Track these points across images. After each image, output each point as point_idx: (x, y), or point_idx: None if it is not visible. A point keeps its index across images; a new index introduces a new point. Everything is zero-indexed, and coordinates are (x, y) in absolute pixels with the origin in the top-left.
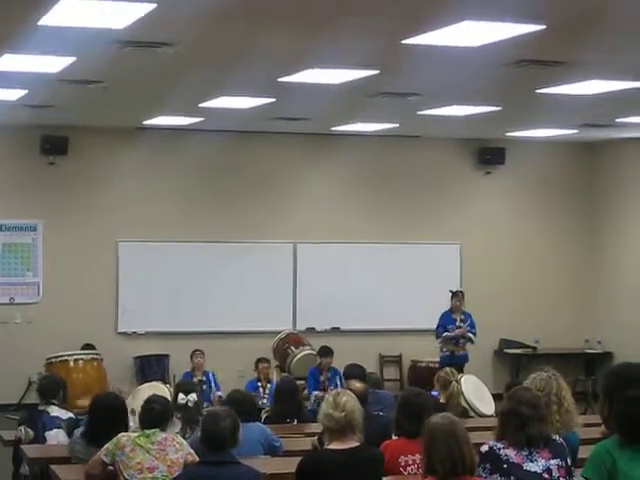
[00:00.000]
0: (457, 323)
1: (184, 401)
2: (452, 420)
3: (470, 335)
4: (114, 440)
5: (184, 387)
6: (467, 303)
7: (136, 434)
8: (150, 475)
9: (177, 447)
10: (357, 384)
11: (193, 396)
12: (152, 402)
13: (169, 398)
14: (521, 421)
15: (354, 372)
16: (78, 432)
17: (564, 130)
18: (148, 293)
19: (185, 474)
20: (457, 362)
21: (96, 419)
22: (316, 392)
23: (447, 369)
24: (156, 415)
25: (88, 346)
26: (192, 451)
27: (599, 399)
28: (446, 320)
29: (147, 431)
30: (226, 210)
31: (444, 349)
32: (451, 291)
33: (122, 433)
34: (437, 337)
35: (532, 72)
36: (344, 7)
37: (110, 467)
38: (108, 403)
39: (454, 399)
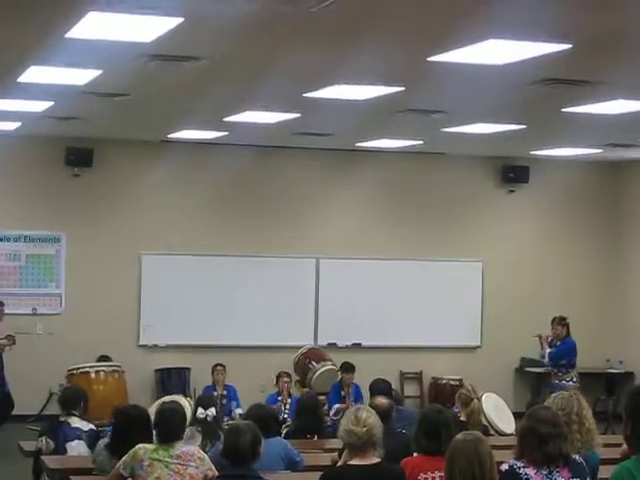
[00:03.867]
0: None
1: (203, 415)
2: (476, 437)
3: (545, 351)
4: (131, 453)
5: (203, 402)
6: (487, 321)
7: (153, 447)
8: None
9: (198, 462)
10: (383, 400)
11: (212, 411)
12: (166, 412)
13: (189, 411)
14: (539, 439)
15: (380, 387)
16: (102, 443)
17: (589, 149)
18: (170, 306)
19: None
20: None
21: (120, 430)
22: (338, 405)
23: (468, 386)
24: (172, 425)
25: (104, 358)
26: (212, 466)
27: (623, 418)
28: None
29: (165, 445)
30: (249, 224)
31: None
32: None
33: (139, 445)
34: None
35: (557, 91)
36: (370, 24)
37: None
38: (132, 414)
39: (475, 417)
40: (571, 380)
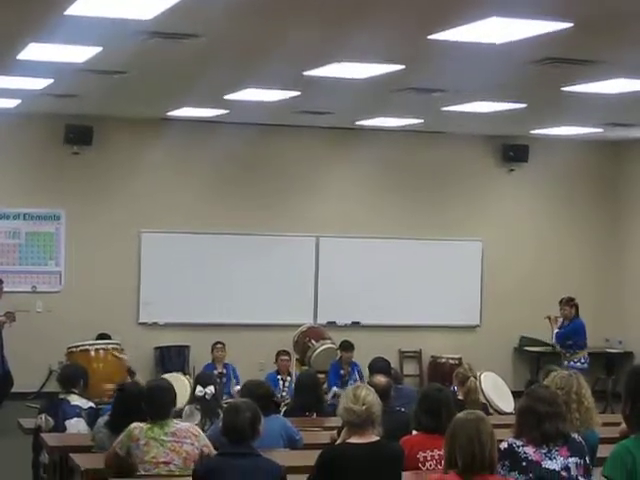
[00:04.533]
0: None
1: (202, 393)
2: (477, 417)
3: (553, 332)
4: (126, 432)
5: (202, 379)
6: (487, 300)
7: (148, 425)
8: (166, 468)
9: (193, 439)
10: (381, 379)
11: (211, 389)
12: (156, 390)
13: (188, 389)
14: (537, 418)
15: (379, 366)
16: (102, 421)
17: (589, 129)
18: (169, 284)
19: (205, 465)
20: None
21: (120, 408)
22: (336, 388)
23: (465, 365)
24: (164, 403)
25: (102, 336)
26: (209, 443)
27: (622, 398)
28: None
29: (160, 421)
30: (249, 203)
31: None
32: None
33: (134, 424)
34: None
35: (558, 70)
36: (370, 2)
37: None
38: (132, 392)
39: (471, 395)
40: (579, 361)
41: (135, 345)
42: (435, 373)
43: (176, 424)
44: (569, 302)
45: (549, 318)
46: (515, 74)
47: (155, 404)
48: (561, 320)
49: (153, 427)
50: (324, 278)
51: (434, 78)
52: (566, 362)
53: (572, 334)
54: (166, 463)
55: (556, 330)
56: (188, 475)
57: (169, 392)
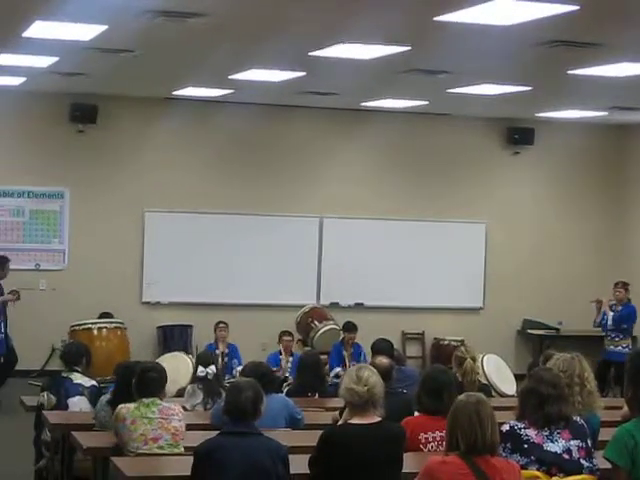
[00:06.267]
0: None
1: (203, 373)
2: (478, 399)
3: (606, 315)
4: (114, 414)
5: (203, 359)
6: (490, 283)
7: (135, 405)
8: (155, 445)
9: (180, 416)
10: (383, 360)
11: (212, 368)
12: (148, 370)
13: (191, 369)
14: (540, 400)
15: (381, 347)
16: (104, 399)
17: (594, 112)
18: (173, 263)
19: (206, 444)
20: (610, 360)
21: (123, 387)
22: (338, 369)
23: (462, 347)
24: (153, 383)
25: (105, 315)
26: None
27: (624, 381)
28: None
29: (145, 400)
30: (253, 183)
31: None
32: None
33: (120, 405)
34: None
35: (564, 53)
36: None
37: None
38: (134, 371)
39: (468, 376)
40: (627, 347)
41: (138, 324)
42: (438, 355)
43: (161, 403)
44: (625, 285)
45: (600, 302)
46: (521, 57)
47: (143, 383)
48: (612, 303)
49: (139, 406)
50: (327, 259)
51: (440, 60)
52: (612, 347)
53: (626, 318)
54: (155, 439)
55: (611, 313)
56: (179, 453)
57: (159, 373)
